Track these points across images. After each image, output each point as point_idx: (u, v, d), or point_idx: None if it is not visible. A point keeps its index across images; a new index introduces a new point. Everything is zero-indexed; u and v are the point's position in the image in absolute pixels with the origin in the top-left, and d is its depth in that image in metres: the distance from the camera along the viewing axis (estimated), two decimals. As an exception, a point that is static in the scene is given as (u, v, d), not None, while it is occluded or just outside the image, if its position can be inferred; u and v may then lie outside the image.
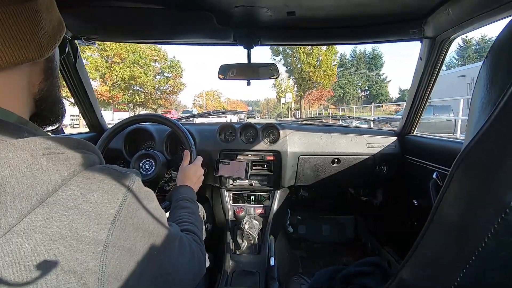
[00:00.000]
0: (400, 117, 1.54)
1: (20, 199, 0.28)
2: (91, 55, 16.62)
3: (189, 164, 0.94)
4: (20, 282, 0.28)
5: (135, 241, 0.36)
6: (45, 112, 0.43)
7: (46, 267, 0.28)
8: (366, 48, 36.61)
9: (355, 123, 2.62)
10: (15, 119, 0.35)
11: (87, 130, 1.52)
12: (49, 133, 0.40)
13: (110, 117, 18.09)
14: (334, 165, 1.48)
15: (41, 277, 0.28)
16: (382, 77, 36.00)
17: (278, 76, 1.27)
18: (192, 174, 0.90)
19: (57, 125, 0.48)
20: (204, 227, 1.19)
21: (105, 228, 0.32)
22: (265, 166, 1.47)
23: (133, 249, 0.35)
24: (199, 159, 0.97)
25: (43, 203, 0.29)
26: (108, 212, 0.33)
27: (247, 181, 1.48)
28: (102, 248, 0.31)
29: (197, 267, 0.55)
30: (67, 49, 0.52)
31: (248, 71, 1.27)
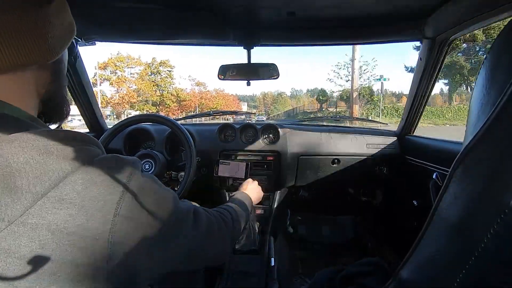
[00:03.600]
0: None
1: (34, 183, 0.30)
2: None
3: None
4: (36, 260, 0.29)
5: (141, 219, 0.37)
6: (51, 112, 0.46)
7: (59, 245, 0.30)
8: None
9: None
10: (26, 117, 0.37)
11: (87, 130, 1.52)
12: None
13: None
14: (334, 165, 1.48)
15: (55, 255, 0.30)
16: None
17: (278, 76, 1.27)
18: (255, 188, 0.99)
19: (57, 125, 0.48)
20: None
21: (112, 208, 0.34)
22: (265, 166, 1.46)
23: (140, 227, 0.37)
24: (250, 180, 1.05)
25: (55, 187, 0.31)
26: (114, 193, 0.35)
27: None
28: (110, 226, 0.34)
29: (221, 245, 0.57)
30: (76, 49, 0.54)
31: (248, 71, 1.27)
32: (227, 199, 1.49)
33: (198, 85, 32.99)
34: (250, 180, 1.05)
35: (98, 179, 0.35)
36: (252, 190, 0.97)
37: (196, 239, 0.48)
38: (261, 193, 1.04)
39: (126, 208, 0.35)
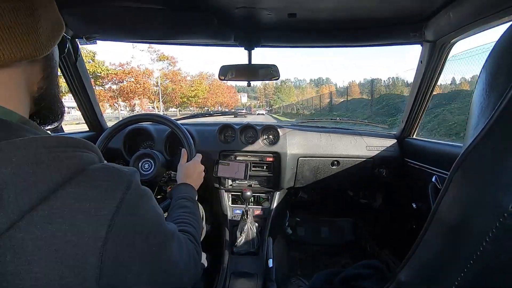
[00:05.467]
0: None
1: (22, 196, 0.28)
2: None
3: (188, 161, 0.95)
4: (21, 277, 0.28)
5: (134, 238, 0.36)
6: (44, 111, 0.44)
7: (46, 262, 0.29)
8: None
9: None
10: (17, 119, 0.35)
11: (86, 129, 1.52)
12: (49, 132, 0.40)
13: None
14: (334, 167, 1.48)
15: (41, 272, 0.29)
16: None
17: (279, 77, 1.27)
18: (191, 171, 0.90)
19: (56, 124, 0.48)
20: (205, 228, 1.20)
21: (105, 224, 0.33)
22: (265, 167, 1.46)
23: (132, 245, 0.36)
24: (199, 156, 0.98)
25: (45, 200, 0.30)
26: (108, 209, 0.33)
27: (246, 182, 1.48)
28: (101, 243, 0.32)
29: (193, 268, 0.56)
30: (66, 48, 0.53)
31: (249, 72, 1.27)
32: (226, 199, 1.50)
33: (162, 60, 21.13)
34: (187, 167, 0.91)
35: (91, 193, 0.33)
36: (195, 179, 0.89)
37: (178, 261, 0.48)
38: (202, 174, 0.94)
39: (119, 226, 0.34)
